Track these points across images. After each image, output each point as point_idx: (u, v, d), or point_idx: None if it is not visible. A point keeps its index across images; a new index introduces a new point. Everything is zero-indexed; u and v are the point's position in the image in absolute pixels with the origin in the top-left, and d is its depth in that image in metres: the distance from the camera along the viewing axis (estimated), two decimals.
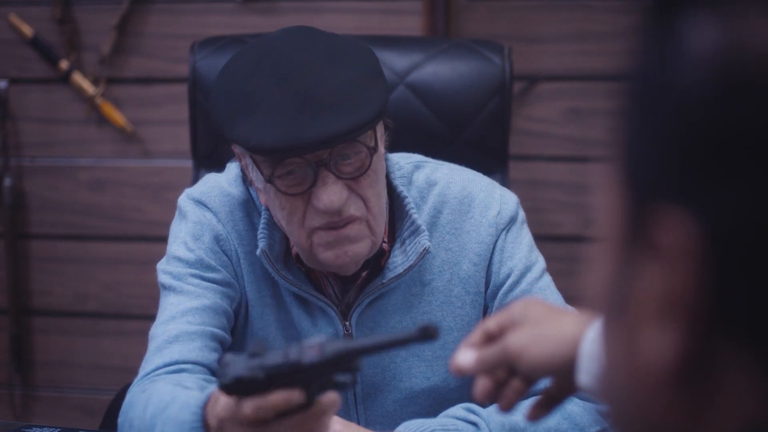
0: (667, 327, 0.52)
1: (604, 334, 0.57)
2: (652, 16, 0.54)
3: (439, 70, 1.89)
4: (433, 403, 1.50)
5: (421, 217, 1.48)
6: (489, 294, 1.50)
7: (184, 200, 1.51)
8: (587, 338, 0.98)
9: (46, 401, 2.74)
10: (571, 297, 1.48)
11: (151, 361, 1.41)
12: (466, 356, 1.04)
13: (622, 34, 0.56)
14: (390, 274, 1.46)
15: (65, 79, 2.57)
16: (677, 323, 0.51)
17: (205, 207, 1.49)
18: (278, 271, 1.44)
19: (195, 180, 1.83)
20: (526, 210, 1.55)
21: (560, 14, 2.43)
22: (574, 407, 1.38)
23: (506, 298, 1.48)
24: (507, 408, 1.04)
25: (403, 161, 1.52)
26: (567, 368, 0.99)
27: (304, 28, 1.40)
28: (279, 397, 1.08)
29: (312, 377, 1.07)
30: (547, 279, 1.51)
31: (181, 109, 2.10)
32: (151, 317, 1.48)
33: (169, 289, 1.46)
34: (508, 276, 1.49)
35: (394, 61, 1.90)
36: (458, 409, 1.40)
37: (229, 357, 1.09)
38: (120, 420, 1.37)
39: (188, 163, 2.01)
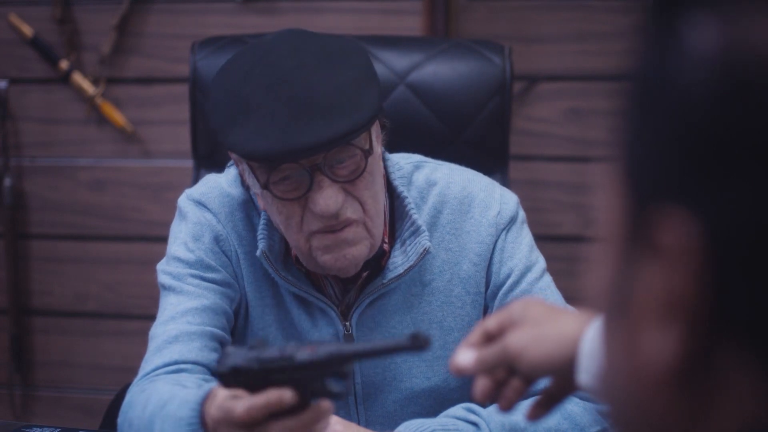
0: (667, 327, 0.52)
1: (605, 334, 0.57)
2: (653, 16, 0.54)
3: (439, 70, 1.89)
4: (433, 404, 1.50)
5: (421, 217, 1.48)
6: (489, 294, 1.50)
7: (183, 201, 1.51)
8: (587, 337, 0.97)
9: (46, 401, 2.74)
10: (571, 297, 1.48)
11: (150, 361, 1.41)
12: (465, 356, 1.04)
13: (622, 34, 0.56)
14: (390, 275, 1.46)
15: (65, 79, 2.57)
16: (678, 323, 0.51)
17: (204, 208, 1.49)
18: (278, 271, 1.44)
19: (195, 180, 1.83)
20: (526, 210, 1.55)
21: (560, 14, 2.43)
22: (574, 407, 1.38)
23: (506, 298, 1.48)
24: (507, 408, 1.04)
25: (403, 161, 1.52)
26: (567, 368, 0.99)
27: (296, 31, 1.40)
28: (271, 396, 1.09)
29: (305, 378, 1.08)
30: (548, 279, 1.51)
31: (181, 109, 2.10)
32: (151, 317, 1.48)
33: (168, 289, 1.46)
34: (508, 276, 1.49)
35: (394, 61, 1.90)
36: (458, 409, 1.40)
37: (230, 348, 1.12)
38: (119, 420, 1.38)
39: (188, 163, 2.01)
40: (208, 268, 1.46)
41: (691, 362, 0.51)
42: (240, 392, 1.12)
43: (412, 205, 1.47)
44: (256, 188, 1.40)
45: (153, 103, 2.58)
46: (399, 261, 1.46)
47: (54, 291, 2.68)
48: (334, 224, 1.36)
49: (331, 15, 2.48)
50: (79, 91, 2.57)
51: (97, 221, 2.63)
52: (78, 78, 2.56)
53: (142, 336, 1.51)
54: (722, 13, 0.50)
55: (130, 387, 1.41)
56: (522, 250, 1.50)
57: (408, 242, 1.46)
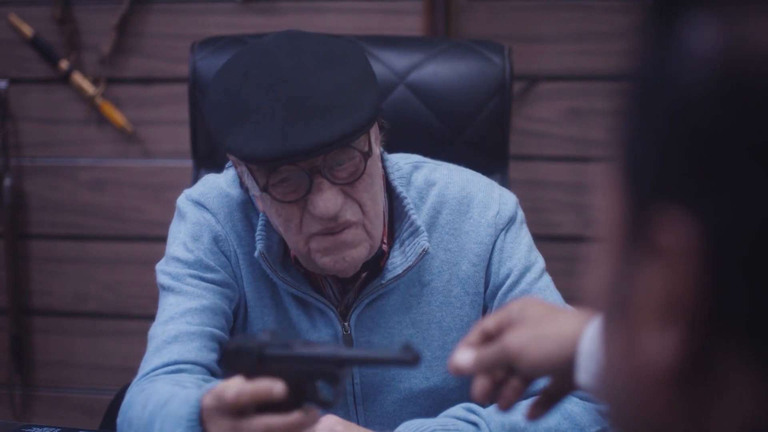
0: (667, 327, 0.51)
1: (604, 334, 0.57)
2: (653, 16, 0.54)
3: (439, 70, 1.89)
4: (432, 404, 1.50)
5: (420, 217, 1.48)
6: (488, 294, 1.50)
7: (183, 201, 1.51)
8: (586, 337, 0.97)
9: (46, 401, 2.74)
10: (571, 297, 1.48)
11: (150, 361, 1.41)
12: (464, 356, 1.04)
13: (622, 34, 0.56)
14: (389, 275, 1.46)
15: (65, 79, 2.57)
16: (677, 323, 0.51)
17: (204, 208, 1.49)
18: (276, 272, 1.44)
19: (195, 180, 1.83)
20: (525, 210, 1.55)
21: (560, 14, 2.43)
22: (573, 407, 1.38)
23: (506, 298, 1.48)
24: (506, 408, 1.04)
25: (402, 162, 1.52)
26: (566, 367, 0.99)
27: (295, 32, 1.40)
28: (261, 385, 1.11)
29: (298, 374, 1.11)
30: (547, 279, 1.51)
31: (181, 109, 2.10)
32: (151, 317, 1.48)
33: (168, 289, 1.46)
34: (507, 276, 1.49)
35: (394, 61, 1.90)
36: (458, 409, 1.40)
37: (241, 335, 1.17)
38: (119, 420, 1.38)
39: (188, 163, 2.01)
40: (207, 268, 1.46)
41: (691, 362, 0.51)
42: (235, 380, 1.14)
43: (411, 206, 1.47)
44: (255, 190, 1.40)
45: (153, 103, 2.58)
46: (398, 261, 1.46)
47: (54, 291, 2.68)
48: (334, 226, 1.36)
49: (331, 15, 2.48)
50: (79, 91, 2.57)
51: (97, 221, 2.63)
52: (78, 78, 2.56)
53: (141, 336, 1.51)
54: (722, 13, 0.50)
55: (130, 387, 1.41)
56: (521, 250, 1.50)
57: (407, 243, 1.46)
